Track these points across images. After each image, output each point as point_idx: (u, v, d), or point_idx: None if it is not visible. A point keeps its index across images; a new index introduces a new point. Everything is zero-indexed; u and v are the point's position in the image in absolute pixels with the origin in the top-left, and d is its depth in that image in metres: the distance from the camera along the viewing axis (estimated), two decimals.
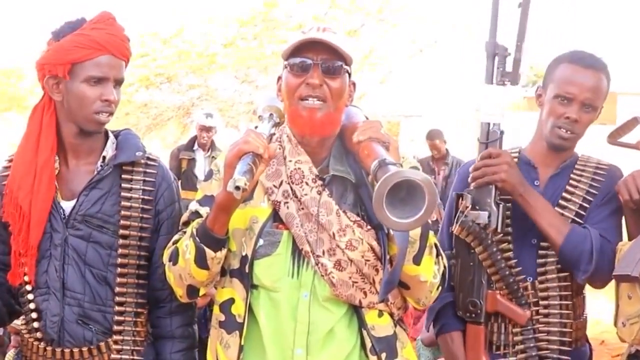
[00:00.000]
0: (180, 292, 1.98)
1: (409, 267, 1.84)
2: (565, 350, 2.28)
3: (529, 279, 2.29)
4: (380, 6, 12.92)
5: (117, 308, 2.10)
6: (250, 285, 1.88)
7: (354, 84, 1.96)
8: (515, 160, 2.35)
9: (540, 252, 2.29)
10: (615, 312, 2.18)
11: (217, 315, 1.94)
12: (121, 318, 2.10)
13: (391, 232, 1.80)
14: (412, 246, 1.81)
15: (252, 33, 12.90)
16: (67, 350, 2.09)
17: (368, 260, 1.87)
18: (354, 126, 1.84)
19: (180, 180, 7.05)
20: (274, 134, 1.94)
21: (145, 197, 2.12)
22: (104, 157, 2.13)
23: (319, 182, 1.90)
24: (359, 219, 1.89)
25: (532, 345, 2.27)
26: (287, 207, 1.89)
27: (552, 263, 2.28)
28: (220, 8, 12.74)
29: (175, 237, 1.99)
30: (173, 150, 7.97)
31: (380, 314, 1.92)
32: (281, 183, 1.91)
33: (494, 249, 2.27)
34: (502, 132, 2.29)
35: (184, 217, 2.00)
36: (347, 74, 1.89)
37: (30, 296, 2.10)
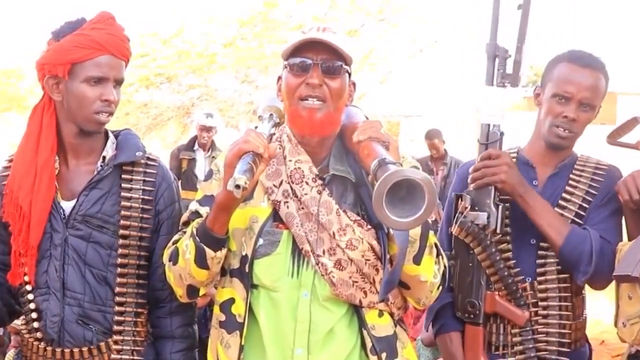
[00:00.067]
0: (180, 292, 1.98)
1: (409, 267, 1.84)
2: (564, 351, 2.28)
3: (528, 280, 2.29)
4: (380, 6, 12.92)
5: (117, 308, 2.10)
6: (250, 285, 1.89)
7: (354, 84, 1.96)
8: (514, 160, 2.36)
9: (540, 252, 2.29)
10: (616, 313, 2.18)
11: (217, 315, 1.94)
12: (121, 318, 2.10)
13: (391, 231, 1.80)
14: (412, 246, 1.81)
15: (252, 33, 12.90)
16: (67, 350, 2.09)
17: (368, 260, 1.87)
18: (354, 126, 1.84)
19: (180, 180, 7.05)
20: (274, 134, 1.94)
21: (145, 197, 2.12)
22: (104, 157, 2.13)
23: (319, 182, 1.90)
24: (359, 218, 1.89)
25: (530, 346, 2.28)
26: (287, 207, 1.89)
27: (551, 264, 2.28)
28: (220, 8, 12.74)
29: (175, 237, 1.99)
30: (173, 150, 7.97)
31: (381, 313, 1.92)
32: (281, 183, 1.91)
33: (493, 250, 2.27)
34: (502, 134, 2.29)
35: (184, 217, 2.00)
36: (347, 74, 1.89)
37: (30, 296, 2.10)
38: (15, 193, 2.07)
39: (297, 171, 1.90)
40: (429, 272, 1.89)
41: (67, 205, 2.09)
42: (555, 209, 2.30)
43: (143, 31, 12.06)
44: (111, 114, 2.08)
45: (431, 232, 1.88)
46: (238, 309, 1.89)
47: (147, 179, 2.14)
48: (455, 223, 2.28)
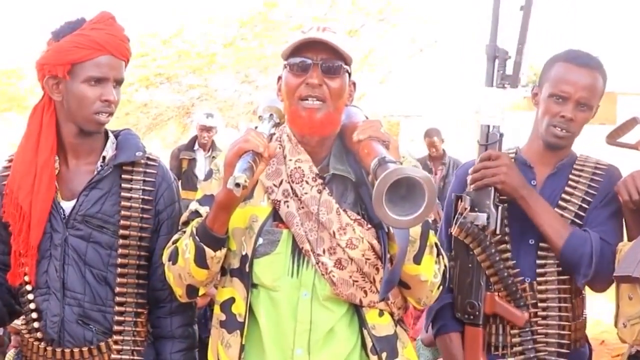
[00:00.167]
0: (179, 291, 1.98)
1: (409, 267, 1.84)
2: (563, 351, 2.28)
3: (527, 280, 2.29)
4: (380, 6, 12.93)
5: (117, 308, 2.10)
6: (250, 284, 1.88)
7: (354, 83, 1.96)
8: (512, 160, 2.36)
9: (540, 252, 2.29)
10: (616, 313, 2.17)
11: (217, 314, 1.94)
12: (121, 318, 2.10)
13: (391, 230, 1.80)
14: (412, 245, 1.81)
15: (252, 33, 12.90)
16: (67, 350, 2.09)
17: (368, 259, 1.87)
18: (354, 126, 1.84)
19: (180, 180, 7.05)
20: (274, 133, 1.94)
21: (145, 197, 2.12)
22: (104, 157, 2.13)
23: (319, 181, 1.90)
24: (359, 217, 1.89)
25: (530, 346, 2.28)
26: (287, 206, 1.89)
27: (551, 265, 2.28)
28: (220, 8, 12.74)
29: (175, 236, 1.99)
30: (173, 150, 7.97)
31: (381, 313, 1.92)
32: (281, 182, 1.91)
33: (493, 251, 2.27)
34: (501, 135, 2.30)
35: (184, 217, 2.00)
36: (347, 74, 1.89)
37: (30, 296, 2.10)
38: (15, 193, 2.07)
39: (297, 170, 1.90)
40: (429, 272, 1.89)
41: (67, 205, 2.09)
42: (555, 209, 2.30)
43: (143, 31, 12.06)
44: (111, 114, 2.08)
45: (431, 232, 1.88)
46: (238, 309, 1.89)
47: (147, 179, 2.14)
48: (455, 224, 2.28)
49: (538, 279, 2.29)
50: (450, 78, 13.06)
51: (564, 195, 2.32)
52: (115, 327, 2.10)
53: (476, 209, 2.26)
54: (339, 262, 1.86)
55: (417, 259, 1.84)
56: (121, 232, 2.09)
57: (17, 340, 3.09)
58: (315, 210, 1.87)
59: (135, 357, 2.11)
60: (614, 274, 2.14)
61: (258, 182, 1.88)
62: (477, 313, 2.28)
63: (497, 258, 2.27)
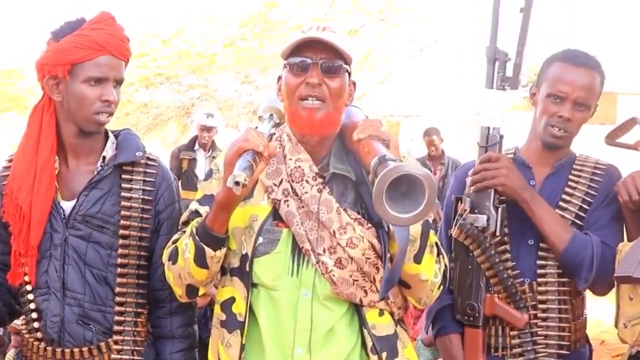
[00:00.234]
0: (179, 291, 1.98)
1: (409, 266, 1.84)
2: (563, 352, 2.28)
3: (527, 281, 2.29)
4: (380, 6, 12.93)
5: (117, 308, 2.10)
6: (250, 284, 1.88)
7: (354, 83, 1.96)
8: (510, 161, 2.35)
9: (541, 253, 2.29)
10: (616, 313, 2.17)
11: (218, 314, 1.94)
12: (121, 318, 2.10)
13: (391, 228, 1.80)
14: (412, 245, 1.81)
15: (252, 33, 12.91)
16: (67, 351, 2.09)
17: (369, 259, 1.87)
18: (354, 125, 1.84)
19: (180, 180, 7.05)
20: (274, 133, 1.94)
21: (145, 197, 2.12)
22: (104, 157, 2.13)
23: (319, 180, 1.90)
24: (359, 216, 1.89)
25: (529, 348, 2.27)
26: (287, 205, 1.89)
27: (552, 266, 2.28)
28: (220, 8, 12.74)
29: (175, 236, 1.99)
30: (174, 150, 7.97)
31: (381, 313, 1.92)
32: (281, 181, 1.91)
33: (492, 252, 2.26)
34: (501, 137, 2.30)
35: (184, 217, 2.00)
36: (346, 73, 1.89)
37: (30, 296, 2.10)
38: (15, 193, 2.07)
39: (297, 170, 1.90)
40: (429, 271, 1.89)
41: (67, 206, 2.09)
42: (556, 210, 2.29)
43: (143, 31, 12.05)
44: (111, 114, 2.08)
45: (432, 232, 1.88)
46: (238, 308, 1.89)
47: (147, 179, 2.14)
48: (455, 225, 2.28)
49: (538, 279, 2.28)
50: (450, 78, 13.06)
51: (564, 196, 2.32)
52: (115, 327, 2.10)
53: (476, 211, 2.26)
54: (339, 261, 1.86)
55: (418, 259, 1.85)
56: (121, 232, 2.09)
57: (17, 340, 3.09)
58: (315, 209, 1.87)
59: (135, 357, 2.11)
60: (615, 275, 2.13)
61: (258, 182, 1.87)
62: (477, 315, 2.28)
63: (497, 260, 2.27)
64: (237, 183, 1.63)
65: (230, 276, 1.92)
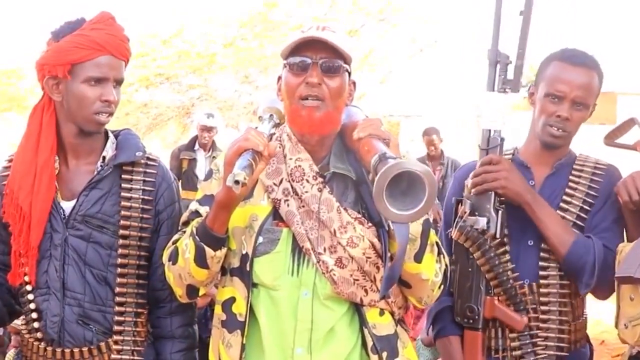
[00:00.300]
0: (179, 292, 1.98)
1: (410, 265, 1.84)
2: (563, 354, 2.28)
3: (527, 282, 2.29)
4: (380, 6, 12.92)
5: (117, 308, 2.10)
6: (251, 283, 1.88)
7: (354, 83, 1.96)
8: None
9: (543, 254, 2.28)
10: (617, 314, 2.17)
11: (218, 314, 1.94)
12: (121, 318, 2.10)
13: (392, 226, 1.80)
14: (413, 244, 1.81)
15: (252, 33, 12.90)
16: (67, 351, 2.09)
17: (369, 258, 1.87)
18: (354, 125, 1.84)
19: (180, 180, 7.05)
20: (274, 133, 1.94)
21: (145, 197, 2.12)
22: (104, 157, 2.13)
23: (320, 180, 1.90)
24: (359, 215, 1.89)
25: (529, 350, 2.27)
26: (288, 205, 1.89)
27: (554, 268, 2.28)
28: (220, 8, 12.73)
29: (175, 236, 1.99)
30: (174, 150, 7.98)
31: (382, 312, 1.92)
32: (281, 181, 1.91)
33: (492, 255, 2.26)
34: (502, 139, 2.30)
35: (184, 217, 2.00)
36: (346, 73, 1.89)
37: (30, 296, 2.10)
38: (15, 193, 2.07)
39: (298, 169, 1.90)
40: (430, 271, 1.89)
41: (67, 206, 2.09)
42: (557, 211, 2.29)
43: (143, 31, 12.05)
44: (111, 114, 2.08)
45: (432, 231, 1.88)
46: (239, 308, 1.89)
47: (147, 179, 2.14)
48: (455, 227, 2.28)
49: (541, 281, 2.28)
50: (450, 78, 13.05)
51: (565, 197, 2.31)
52: (115, 327, 2.10)
53: (476, 213, 2.26)
54: (339, 260, 1.86)
55: (418, 258, 1.84)
56: (121, 232, 2.09)
57: (17, 340, 3.09)
58: (315, 208, 1.87)
59: (135, 357, 2.11)
60: (615, 275, 2.13)
61: (258, 181, 1.87)
62: (477, 317, 2.28)
63: (497, 262, 2.26)
64: (236, 182, 1.63)
65: (230, 276, 1.92)
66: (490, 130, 2.30)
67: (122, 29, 2.09)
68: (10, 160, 2.16)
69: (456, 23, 12.91)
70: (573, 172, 2.34)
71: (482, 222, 2.25)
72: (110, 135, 2.18)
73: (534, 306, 2.28)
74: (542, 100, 2.29)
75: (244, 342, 1.88)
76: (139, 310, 2.13)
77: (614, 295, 2.20)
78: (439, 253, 1.93)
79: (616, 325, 2.18)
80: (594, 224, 2.28)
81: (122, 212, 2.09)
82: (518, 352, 2.28)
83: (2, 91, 13.53)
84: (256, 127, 1.84)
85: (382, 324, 1.92)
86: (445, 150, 8.44)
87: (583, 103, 2.27)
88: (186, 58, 12.91)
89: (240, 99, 12.99)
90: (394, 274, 1.80)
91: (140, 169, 2.14)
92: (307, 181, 1.89)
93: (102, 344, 2.09)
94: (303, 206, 1.88)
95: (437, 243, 1.92)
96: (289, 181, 1.90)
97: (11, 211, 2.08)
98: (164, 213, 2.15)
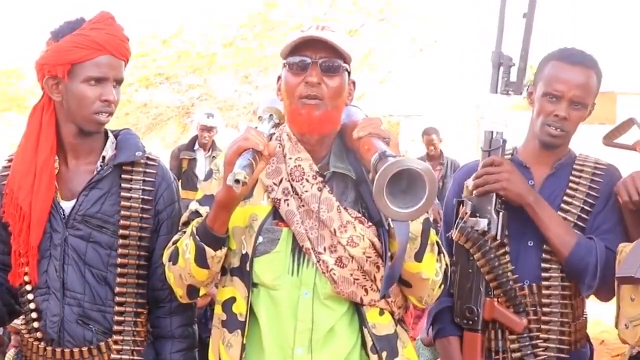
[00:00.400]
0: (180, 292, 1.98)
1: (410, 265, 1.84)
2: (564, 356, 2.27)
3: (527, 283, 2.29)
4: (381, 6, 12.92)
5: (117, 308, 2.10)
6: (251, 283, 1.88)
7: (354, 83, 1.96)
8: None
9: (545, 256, 2.28)
10: (617, 314, 2.17)
11: (219, 314, 1.94)
12: (121, 318, 2.10)
13: (392, 226, 1.80)
14: (413, 243, 1.81)
15: (252, 33, 12.90)
16: (67, 351, 2.09)
17: (369, 257, 1.87)
18: (354, 124, 1.84)
19: (181, 181, 7.05)
20: (274, 134, 1.94)
21: (145, 197, 2.12)
22: (104, 157, 2.13)
23: (320, 179, 1.90)
24: (360, 215, 1.89)
25: (529, 352, 2.27)
26: (288, 205, 1.89)
27: (555, 270, 2.27)
28: (220, 8, 12.73)
29: (176, 237, 1.99)
30: (174, 150, 7.98)
31: (382, 312, 1.92)
32: (281, 181, 1.91)
33: (492, 256, 2.26)
34: (504, 141, 2.30)
35: (184, 218, 2.00)
36: (346, 73, 1.89)
37: (30, 296, 2.11)
38: (15, 193, 2.07)
39: (298, 169, 1.90)
40: (430, 270, 1.89)
41: (67, 206, 2.09)
42: (558, 212, 2.29)
43: (143, 31, 12.05)
44: (111, 114, 2.08)
45: (432, 231, 1.88)
46: (239, 308, 1.89)
47: (147, 179, 2.14)
48: (456, 229, 2.28)
49: (543, 282, 2.28)
50: (450, 78, 13.04)
51: (565, 198, 2.31)
52: (115, 327, 2.10)
53: (477, 215, 2.26)
54: (340, 260, 1.86)
55: (419, 257, 1.84)
56: (121, 232, 2.09)
57: (17, 340, 3.09)
58: (315, 208, 1.87)
59: (135, 357, 2.11)
60: (616, 276, 2.13)
61: (258, 181, 1.88)
62: (476, 319, 2.27)
63: (497, 263, 2.26)
64: (237, 181, 1.63)
65: (230, 276, 1.92)
66: (492, 132, 2.31)
67: (122, 29, 2.09)
68: (10, 160, 2.16)
69: (456, 23, 12.90)
70: (573, 172, 2.34)
71: (483, 223, 2.25)
72: (110, 135, 2.18)
73: (534, 308, 2.28)
74: (540, 100, 2.29)
75: (245, 342, 1.88)
76: (139, 310, 2.13)
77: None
78: (440, 252, 1.93)
79: (616, 326, 2.17)
80: (596, 225, 2.28)
81: (122, 212, 2.09)
82: (518, 355, 2.28)
83: (2, 91, 13.52)
84: (256, 127, 1.84)
85: (382, 323, 1.92)
86: (445, 150, 8.45)
87: (581, 103, 2.27)
88: (186, 58, 12.90)
89: (241, 99, 12.98)
90: (394, 274, 1.80)
91: (140, 169, 2.14)
92: (307, 181, 1.89)
93: (102, 344, 2.09)
94: (303, 206, 1.88)
95: (437, 242, 1.92)
96: (289, 181, 1.90)
97: (11, 211, 2.08)
98: (164, 213, 2.15)
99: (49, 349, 2.10)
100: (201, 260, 1.84)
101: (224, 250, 1.85)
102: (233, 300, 1.91)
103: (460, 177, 2.42)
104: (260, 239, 1.88)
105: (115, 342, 2.10)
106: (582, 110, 2.28)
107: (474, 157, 2.39)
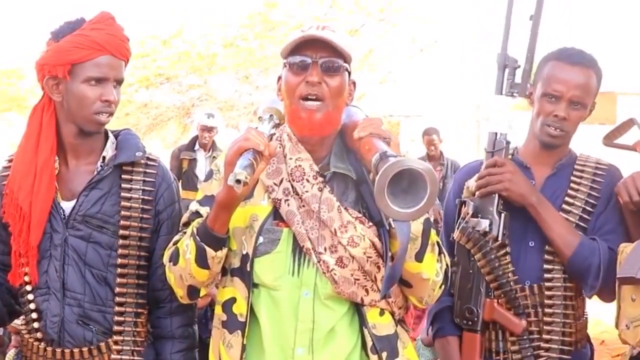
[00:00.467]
0: (180, 292, 1.97)
1: (411, 265, 1.84)
2: (565, 356, 2.27)
3: (527, 283, 2.28)
4: (381, 6, 12.92)
5: (117, 308, 2.09)
6: (251, 284, 1.88)
7: (354, 83, 1.96)
8: None
9: (547, 257, 2.28)
10: (617, 314, 2.16)
11: (219, 315, 1.94)
12: (121, 318, 2.10)
13: (393, 224, 1.80)
14: (413, 243, 1.81)
15: (252, 33, 12.90)
16: (67, 351, 2.09)
17: (370, 257, 1.87)
18: (354, 124, 1.84)
19: (181, 181, 7.05)
20: (274, 134, 1.94)
21: (145, 198, 2.12)
22: (104, 157, 2.13)
23: (320, 179, 1.90)
24: (360, 215, 1.89)
25: (529, 354, 2.27)
26: (288, 205, 1.89)
27: (558, 271, 2.27)
28: (220, 8, 12.73)
29: (176, 237, 1.99)
30: (174, 150, 7.98)
31: (382, 312, 1.92)
32: (282, 181, 1.91)
33: (493, 257, 2.26)
34: (508, 142, 2.30)
35: (184, 218, 2.00)
36: (346, 72, 1.89)
37: (30, 296, 2.11)
38: (15, 193, 2.07)
39: (298, 169, 1.90)
40: (431, 270, 1.88)
41: (67, 206, 2.09)
42: (560, 212, 2.29)
43: (143, 32, 12.05)
44: (111, 114, 2.08)
45: (433, 231, 1.88)
46: (239, 309, 1.89)
47: (147, 179, 2.14)
48: (457, 229, 2.28)
49: (546, 283, 2.27)
50: (450, 78, 13.04)
51: (567, 199, 2.31)
52: (115, 327, 2.10)
53: (479, 215, 2.26)
54: (340, 260, 1.86)
55: (419, 257, 1.84)
56: (121, 232, 2.09)
57: (17, 340, 3.09)
58: (316, 208, 1.87)
59: (135, 357, 2.11)
60: (617, 276, 2.13)
61: (258, 182, 1.87)
62: (476, 319, 2.27)
63: (497, 264, 2.26)
64: (238, 181, 1.63)
65: (231, 276, 1.92)
66: (496, 134, 2.31)
67: (122, 29, 2.09)
68: (10, 160, 2.16)
69: (456, 23, 12.90)
70: (574, 172, 2.34)
71: (484, 224, 2.25)
72: (110, 135, 2.18)
73: (534, 309, 2.28)
74: (539, 100, 2.29)
75: (245, 342, 1.88)
76: (139, 310, 2.13)
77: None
78: (440, 252, 1.93)
79: (617, 326, 2.17)
80: (598, 226, 2.28)
81: (122, 212, 2.09)
82: (518, 356, 2.27)
83: (2, 91, 13.53)
84: (256, 127, 1.84)
85: (382, 324, 1.91)
86: (445, 150, 8.44)
87: (580, 102, 2.26)
88: (186, 58, 12.90)
89: (241, 99, 12.98)
90: (395, 274, 1.80)
91: (140, 169, 2.14)
92: (308, 181, 1.89)
93: (102, 344, 2.09)
94: (303, 206, 1.88)
95: (437, 242, 1.92)
96: (289, 181, 1.90)
97: (11, 211, 2.08)
98: (163, 213, 2.15)
99: (49, 349, 2.10)
100: (201, 260, 1.84)
101: (224, 250, 1.85)
102: (233, 300, 1.90)
103: (461, 177, 2.42)
104: (261, 239, 1.88)
105: (115, 342, 2.10)
106: (581, 110, 2.28)
107: (474, 157, 2.39)
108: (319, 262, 1.86)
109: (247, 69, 12.95)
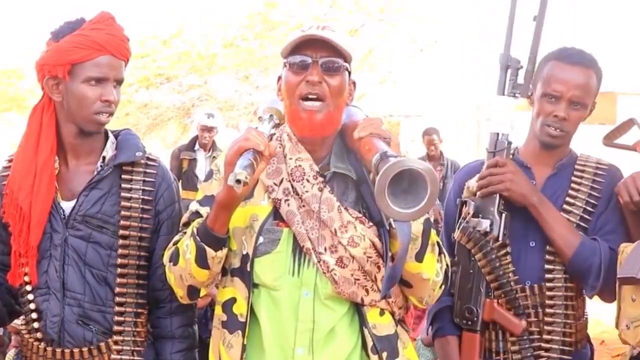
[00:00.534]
0: (180, 292, 1.97)
1: (411, 265, 1.84)
2: (565, 357, 2.27)
3: (527, 283, 2.28)
4: (381, 6, 12.92)
5: (117, 308, 2.09)
6: (251, 284, 1.88)
7: (354, 83, 1.96)
8: None
9: (548, 257, 2.28)
10: (617, 314, 2.16)
11: (219, 315, 1.94)
12: (121, 318, 2.10)
13: (393, 225, 1.80)
14: (414, 243, 1.81)
15: (252, 33, 12.90)
16: (67, 351, 2.09)
17: (370, 257, 1.87)
18: (354, 124, 1.84)
19: (181, 181, 7.05)
20: (274, 134, 1.94)
21: (145, 198, 2.12)
22: (104, 157, 2.13)
23: (320, 179, 1.90)
24: (360, 215, 1.88)
25: (529, 354, 2.27)
26: (288, 205, 1.89)
27: (559, 271, 2.27)
28: (220, 8, 12.72)
29: (176, 237, 1.99)
30: (174, 150, 7.98)
31: (382, 312, 1.92)
32: (282, 181, 1.91)
33: (493, 257, 2.26)
34: (509, 142, 2.30)
35: (184, 218, 2.00)
36: (346, 72, 1.89)
37: (30, 296, 2.11)
38: (15, 193, 2.07)
39: (298, 169, 1.90)
40: (431, 270, 1.88)
41: (67, 206, 2.09)
42: (561, 213, 2.29)
43: (143, 32, 12.05)
44: (111, 114, 2.08)
45: (433, 231, 1.88)
46: (240, 309, 1.89)
47: (147, 179, 2.14)
48: (458, 229, 2.28)
49: (547, 283, 2.27)
50: (450, 78, 13.04)
51: (567, 199, 2.31)
52: (115, 328, 2.10)
53: (480, 215, 2.26)
54: (340, 260, 1.86)
55: (419, 257, 1.84)
56: (121, 232, 2.09)
57: (17, 340, 3.09)
58: (316, 208, 1.87)
59: (135, 358, 2.11)
60: (618, 276, 2.13)
61: (258, 182, 1.87)
62: (475, 319, 2.27)
63: (497, 264, 2.26)
64: (238, 181, 1.63)
65: (231, 276, 1.92)
66: (498, 134, 2.32)
67: (122, 28, 2.09)
68: (10, 160, 2.16)
69: (456, 23, 12.90)
70: (575, 172, 2.34)
71: (484, 224, 2.25)
72: (110, 135, 2.18)
73: (535, 309, 2.28)
74: (539, 100, 2.29)
75: (245, 342, 1.88)
76: (139, 310, 2.13)
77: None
78: (440, 253, 1.93)
79: (617, 326, 2.17)
80: (599, 226, 2.28)
81: (122, 212, 2.09)
82: (518, 356, 2.27)
83: (2, 91, 13.53)
84: (256, 127, 1.84)
85: (382, 324, 1.91)
86: (445, 150, 8.44)
87: (580, 102, 2.26)
88: (186, 58, 12.90)
89: (241, 99, 12.98)
90: (395, 274, 1.80)
91: (140, 169, 2.14)
92: (308, 181, 1.89)
93: (102, 344, 2.09)
94: (303, 206, 1.88)
95: (438, 243, 1.92)
96: (290, 181, 1.90)
97: (11, 211, 2.08)
98: (163, 213, 2.15)
99: (49, 349, 2.10)
100: (201, 260, 1.84)
101: (225, 250, 1.85)
102: (233, 300, 1.90)
103: (461, 177, 2.42)
104: (261, 239, 1.88)
105: (115, 342, 2.10)
106: (581, 110, 2.27)
107: (474, 157, 2.39)
108: (319, 262, 1.86)
109: (247, 69, 12.95)
